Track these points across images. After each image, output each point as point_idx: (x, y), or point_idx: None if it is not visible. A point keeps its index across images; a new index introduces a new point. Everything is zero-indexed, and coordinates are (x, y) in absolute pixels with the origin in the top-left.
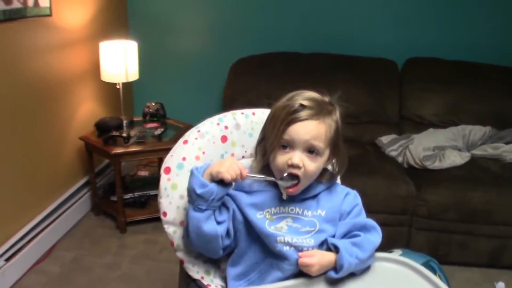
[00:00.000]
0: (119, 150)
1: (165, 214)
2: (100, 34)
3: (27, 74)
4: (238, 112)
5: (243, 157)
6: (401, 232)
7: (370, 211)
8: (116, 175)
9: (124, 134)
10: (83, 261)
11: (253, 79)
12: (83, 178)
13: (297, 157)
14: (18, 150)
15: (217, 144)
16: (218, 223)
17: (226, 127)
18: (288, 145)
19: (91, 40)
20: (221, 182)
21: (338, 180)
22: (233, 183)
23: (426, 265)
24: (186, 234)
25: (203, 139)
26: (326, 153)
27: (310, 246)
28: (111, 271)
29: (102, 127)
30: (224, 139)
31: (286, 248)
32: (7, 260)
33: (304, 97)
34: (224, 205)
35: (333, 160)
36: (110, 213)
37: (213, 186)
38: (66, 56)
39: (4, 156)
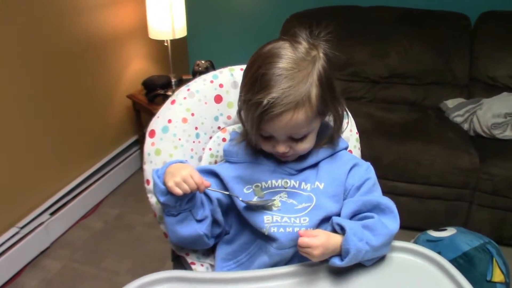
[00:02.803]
0: None
1: (148, 182)
2: None
3: (73, 31)
4: (237, 68)
5: None
6: (460, 207)
7: (424, 183)
8: None
9: (170, 93)
10: (126, 219)
11: None
12: (133, 136)
13: (281, 146)
14: (67, 106)
15: (210, 104)
16: (199, 221)
17: (221, 85)
18: (268, 135)
19: None
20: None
21: (356, 149)
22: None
23: (482, 247)
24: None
25: (192, 98)
26: (317, 123)
27: (304, 227)
28: (151, 230)
29: (149, 86)
30: (218, 99)
31: (274, 229)
32: (52, 214)
33: (275, 79)
34: (206, 196)
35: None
36: None
37: (170, 196)
38: (114, 13)
39: (54, 112)
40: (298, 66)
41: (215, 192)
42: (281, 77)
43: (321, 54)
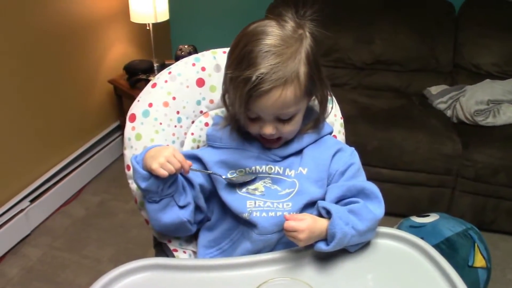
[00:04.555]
0: None
1: (128, 167)
2: None
3: (54, 15)
4: (219, 51)
5: None
6: (442, 194)
7: (408, 170)
8: None
9: (152, 78)
10: (109, 206)
11: None
12: (115, 122)
13: (268, 128)
14: (47, 91)
15: (192, 88)
16: (182, 207)
17: (203, 69)
18: (255, 116)
19: None
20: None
21: (340, 134)
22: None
23: (464, 233)
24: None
25: (174, 82)
26: (304, 104)
27: (287, 211)
28: (133, 217)
29: (130, 70)
30: (200, 82)
31: (256, 214)
32: (32, 201)
33: (263, 55)
34: (188, 181)
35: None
36: None
37: (153, 180)
38: None
39: (34, 97)
40: (285, 43)
41: (198, 178)
42: (269, 53)
43: (308, 33)
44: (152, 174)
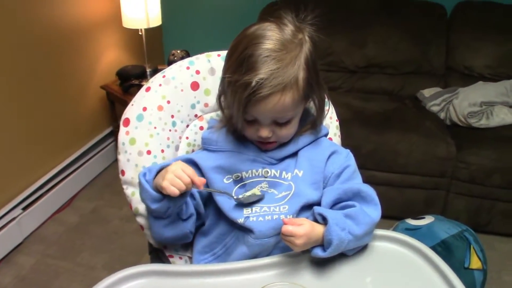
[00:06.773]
0: None
1: (123, 172)
2: None
3: (45, 20)
4: (214, 54)
5: None
6: (437, 196)
7: (402, 172)
8: None
9: (144, 83)
10: (102, 212)
11: None
12: (108, 128)
13: (265, 131)
14: (38, 97)
15: (186, 92)
16: (185, 220)
17: (197, 72)
18: (252, 119)
19: None
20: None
21: (336, 136)
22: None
23: (460, 235)
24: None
25: (168, 85)
26: (302, 108)
27: (283, 214)
28: (127, 224)
29: (123, 76)
30: (195, 86)
31: (252, 219)
32: (24, 209)
33: (263, 60)
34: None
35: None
36: None
37: (165, 202)
38: (86, 1)
39: (25, 104)
40: (285, 48)
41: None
42: (269, 58)
43: (307, 38)
44: (164, 196)
